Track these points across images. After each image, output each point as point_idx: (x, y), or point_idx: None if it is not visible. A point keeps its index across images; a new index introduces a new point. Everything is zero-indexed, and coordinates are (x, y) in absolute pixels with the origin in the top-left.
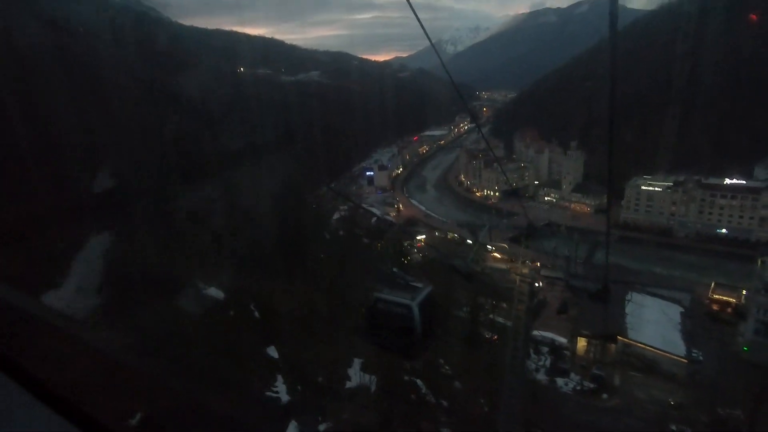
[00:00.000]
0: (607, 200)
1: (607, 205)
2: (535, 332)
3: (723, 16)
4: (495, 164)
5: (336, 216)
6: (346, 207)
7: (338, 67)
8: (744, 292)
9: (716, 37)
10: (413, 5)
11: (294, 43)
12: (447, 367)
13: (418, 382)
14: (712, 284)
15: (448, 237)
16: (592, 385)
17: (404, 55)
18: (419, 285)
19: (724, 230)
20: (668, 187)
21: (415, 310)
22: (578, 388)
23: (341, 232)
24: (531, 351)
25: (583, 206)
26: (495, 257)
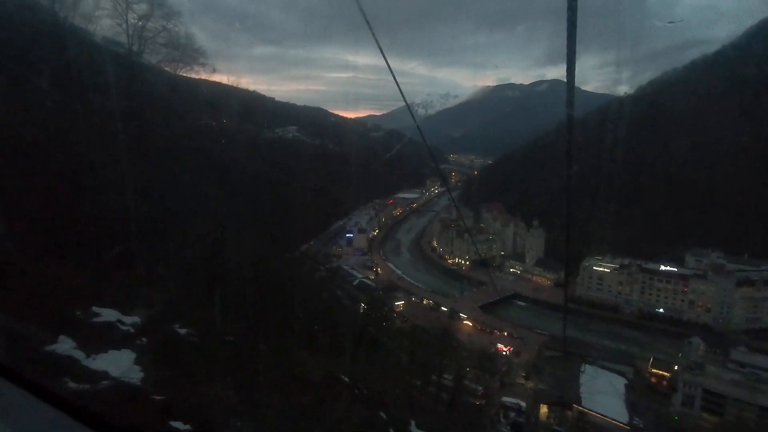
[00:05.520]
0: (565, 280)
1: (564, 283)
2: (505, 398)
3: (654, 121)
4: (466, 235)
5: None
6: (325, 267)
7: (316, 122)
8: (676, 367)
9: (649, 139)
10: (391, 69)
11: (270, 95)
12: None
13: None
14: (651, 359)
15: (424, 303)
16: None
17: (377, 113)
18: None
19: (661, 309)
20: (615, 269)
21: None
22: None
23: (324, 294)
24: (501, 415)
25: (544, 279)
26: (467, 325)
